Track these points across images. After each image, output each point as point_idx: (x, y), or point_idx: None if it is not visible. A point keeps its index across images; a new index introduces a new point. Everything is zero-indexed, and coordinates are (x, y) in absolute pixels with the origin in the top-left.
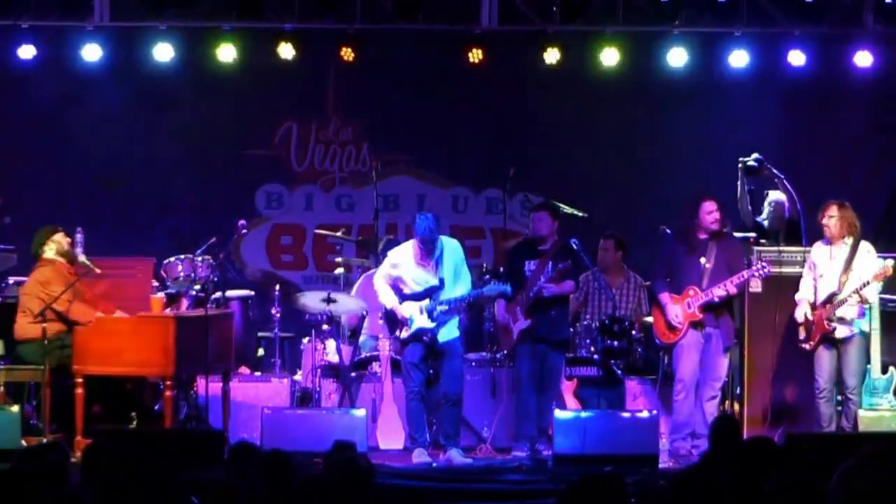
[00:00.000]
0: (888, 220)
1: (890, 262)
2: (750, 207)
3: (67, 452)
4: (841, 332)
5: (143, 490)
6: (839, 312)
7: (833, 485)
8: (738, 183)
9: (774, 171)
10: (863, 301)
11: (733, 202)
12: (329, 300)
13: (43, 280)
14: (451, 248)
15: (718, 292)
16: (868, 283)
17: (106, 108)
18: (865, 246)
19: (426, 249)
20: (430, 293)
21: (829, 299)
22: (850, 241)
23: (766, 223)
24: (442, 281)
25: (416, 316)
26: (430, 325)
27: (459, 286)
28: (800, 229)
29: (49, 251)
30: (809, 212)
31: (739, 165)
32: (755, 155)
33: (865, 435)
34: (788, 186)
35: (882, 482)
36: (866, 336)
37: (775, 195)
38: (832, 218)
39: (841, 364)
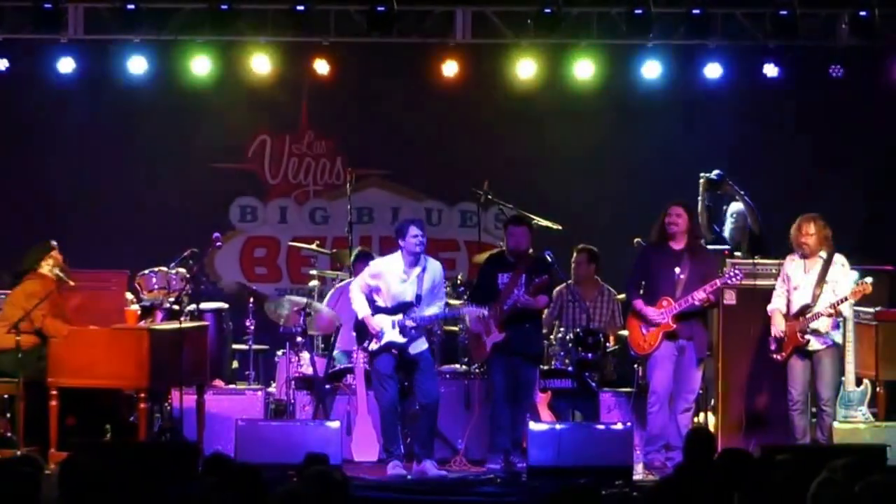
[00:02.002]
0: (862, 233)
1: (868, 279)
2: (707, 222)
3: (42, 465)
4: (814, 344)
5: (119, 502)
6: (813, 325)
7: (810, 498)
8: (699, 198)
9: (735, 187)
10: (837, 315)
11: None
12: (306, 311)
13: (30, 292)
14: (433, 267)
15: (699, 296)
16: (846, 298)
17: (80, 121)
18: (839, 259)
19: (419, 248)
20: (404, 308)
21: (803, 311)
22: (824, 254)
23: (727, 235)
24: (418, 298)
25: (388, 329)
26: (400, 339)
27: (433, 306)
28: (761, 242)
29: (45, 267)
30: (783, 225)
31: (700, 180)
32: (716, 171)
33: (840, 447)
34: (749, 202)
35: (858, 495)
36: (840, 348)
37: (736, 206)
38: (811, 236)
39: (815, 376)
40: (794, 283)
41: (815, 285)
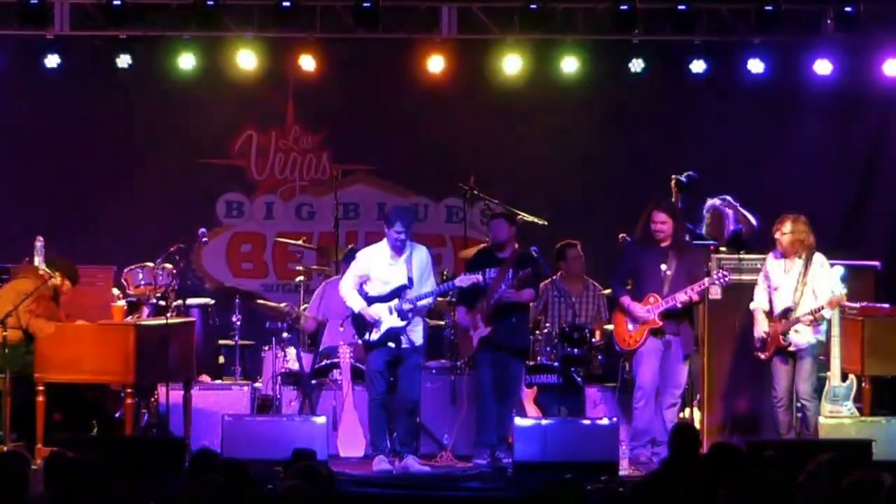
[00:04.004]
0: (847, 228)
1: (843, 290)
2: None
3: (29, 460)
4: (796, 345)
5: (104, 498)
6: (794, 329)
7: (795, 493)
8: (672, 199)
9: (730, 200)
10: (816, 321)
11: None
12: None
13: (22, 289)
14: (419, 252)
15: (681, 297)
16: (822, 307)
17: (66, 117)
18: (819, 259)
19: (399, 244)
20: (398, 293)
21: (785, 314)
22: (803, 254)
23: (704, 230)
24: (410, 280)
25: (385, 316)
26: (400, 323)
27: (425, 287)
28: (742, 240)
29: (44, 268)
30: (766, 221)
31: (672, 182)
32: (688, 172)
33: (826, 443)
34: (725, 200)
35: (844, 491)
36: (821, 345)
37: (712, 202)
38: (785, 235)
39: (795, 372)
40: (774, 283)
41: (795, 288)
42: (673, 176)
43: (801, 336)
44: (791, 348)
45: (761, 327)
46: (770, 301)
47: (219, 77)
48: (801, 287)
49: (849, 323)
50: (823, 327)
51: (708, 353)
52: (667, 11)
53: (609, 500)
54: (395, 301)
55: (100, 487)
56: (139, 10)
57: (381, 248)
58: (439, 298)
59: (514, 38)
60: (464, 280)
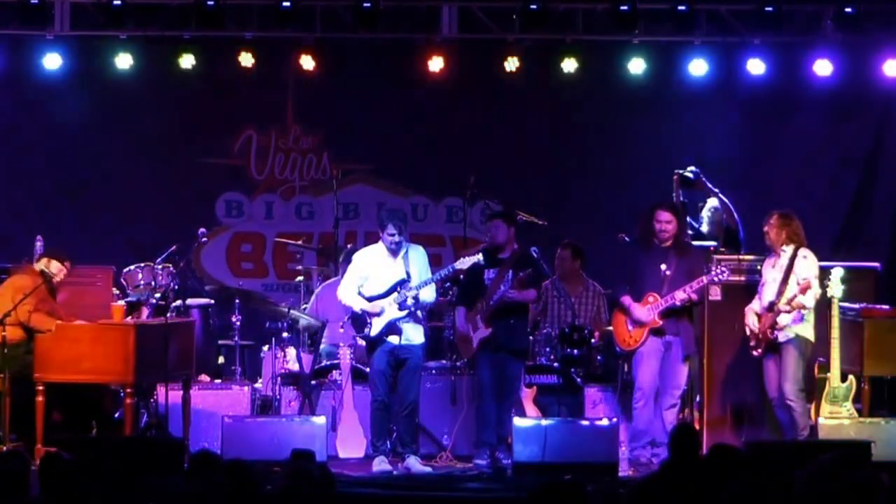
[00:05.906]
0: (847, 229)
1: (812, 274)
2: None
3: (28, 461)
4: (780, 337)
5: (101, 498)
6: (778, 320)
7: (795, 493)
8: (674, 194)
9: (709, 185)
10: (797, 308)
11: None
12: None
13: (19, 286)
14: (415, 250)
15: (680, 295)
16: (796, 294)
17: (66, 117)
18: (803, 252)
19: (394, 246)
20: (397, 287)
21: (770, 307)
22: (789, 249)
23: (704, 229)
24: (409, 274)
25: (387, 307)
26: (400, 313)
27: (426, 278)
28: (737, 239)
29: (41, 265)
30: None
31: (675, 177)
32: (691, 168)
33: (825, 442)
34: (724, 199)
35: (844, 491)
36: (803, 340)
37: (713, 202)
38: (772, 227)
39: (779, 370)
40: (763, 279)
41: (780, 281)
42: (676, 171)
43: (782, 329)
44: (777, 341)
45: (749, 324)
46: (760, 299)
47: (219, 77)
48: (786, 281)
49: (849, 323)
50: (807, 325)
51: (708, 354)
52: (667, 11)
53: (609, 502)
54: (395, 295)
55: (96, 488)
56: (139, 10)
57: (378, 249)
58: (440, 299)
59: (514, 38)
60: (463, 262)
